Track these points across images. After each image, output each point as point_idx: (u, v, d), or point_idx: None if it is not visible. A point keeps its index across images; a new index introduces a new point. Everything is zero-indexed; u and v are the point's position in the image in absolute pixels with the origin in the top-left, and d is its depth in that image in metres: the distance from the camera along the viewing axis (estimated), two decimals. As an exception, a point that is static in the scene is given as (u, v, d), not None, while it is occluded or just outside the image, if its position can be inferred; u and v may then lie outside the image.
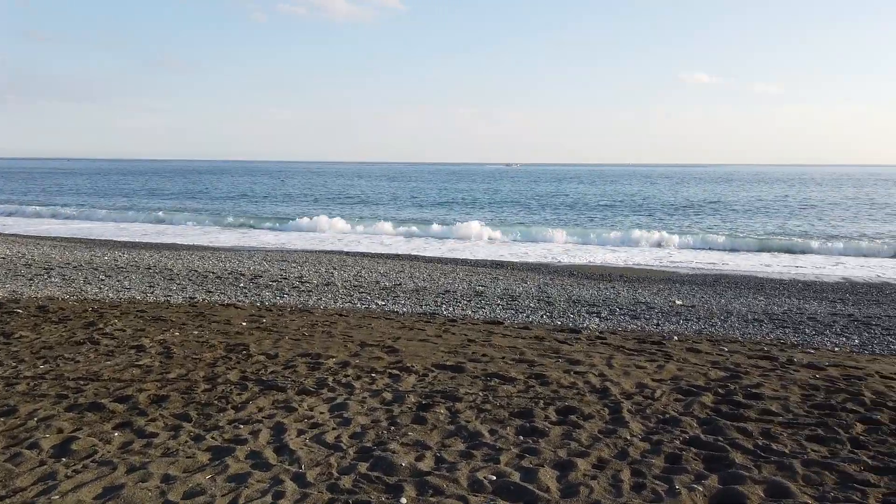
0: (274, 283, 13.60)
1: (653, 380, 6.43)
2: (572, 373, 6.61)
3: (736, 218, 37.50)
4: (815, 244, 23.85)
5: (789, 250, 23.15)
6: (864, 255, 21.89)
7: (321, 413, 5.12)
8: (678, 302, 12.54)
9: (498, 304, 11.96)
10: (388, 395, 5.64)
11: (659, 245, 24.76)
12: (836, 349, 8.82)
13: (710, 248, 24.00)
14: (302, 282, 13.96)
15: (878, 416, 5.25)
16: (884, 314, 11.54)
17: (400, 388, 5.87)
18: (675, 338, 9.15)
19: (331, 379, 6.12)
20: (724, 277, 16.77)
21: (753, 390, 6.02)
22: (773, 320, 10.78)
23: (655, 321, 10.64)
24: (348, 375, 6.28)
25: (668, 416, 5.20)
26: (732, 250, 23.50)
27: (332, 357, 7.01)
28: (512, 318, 10.77)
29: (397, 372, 6.46)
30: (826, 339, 9.52)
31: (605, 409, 5.41)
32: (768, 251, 23.18)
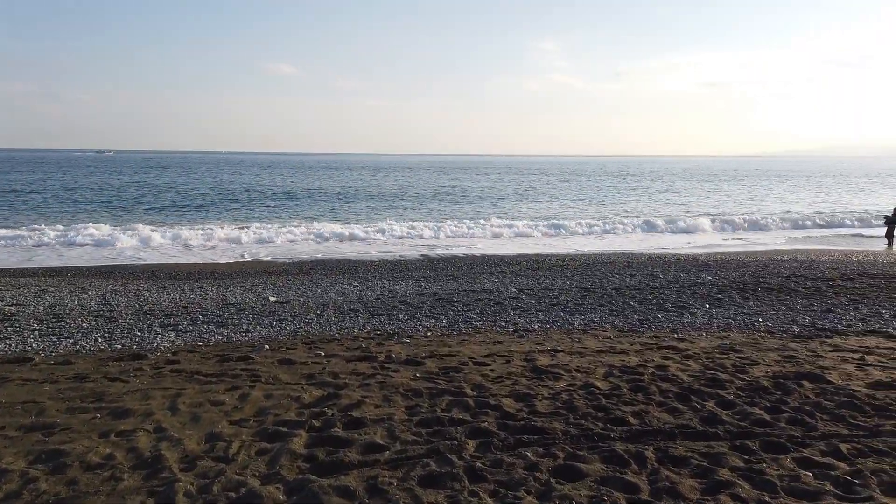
0: None
1: (231, 422, 4.80)
2: (112, 436, 4.53)
3: (335, 204, 38.51)
4: (396, 225, 25.41)
5: (378, 231, 23.99)
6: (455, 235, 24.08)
7: None
8: (272, 298, 11.20)
9: (34, 330, 8.80)
10: None
11: (252, 236, 22.95)
12: (429, 333, 8.57)
13: (317, 238, 22.67)
14: None
15: (485, 424, 4.63)
16: (461, 289, 12.12)
17: None
18: (267, 346, 7.71)
19: None
20: (321, 264, 16.16)
21: (354, 413, 4.90)
22: (369, 308, 10.26)
23: (245, 326, 9.05)
24: None
25: (242, 493, 3.62)
26: (335, 236, 22.96)
27: None
28: (52, 347, 7.91)
29: None
30: (418, 322, 9.28)
31: None
32: (359, 239, 23.10)
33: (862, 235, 25.64)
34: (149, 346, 7.89)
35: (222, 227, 24.03)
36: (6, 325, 9.09)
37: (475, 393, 5.43)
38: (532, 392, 5.44)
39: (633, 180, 75.24)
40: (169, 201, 37.80)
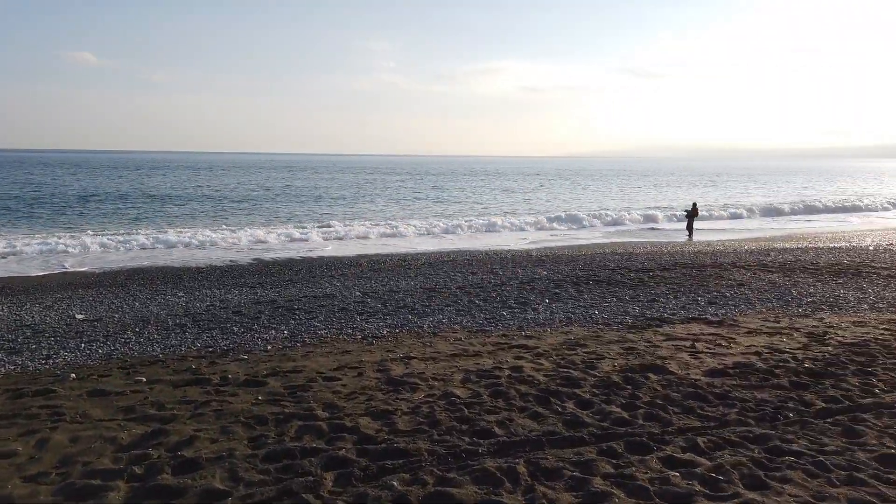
0: None
1: (25, 479, 3.88)
2: None
3: (153, 206, 35.18)
4: (224, 228, 23.75)
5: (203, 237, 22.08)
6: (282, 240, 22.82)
7: None
8: (79, 316, 9.72)
9: None
10: None
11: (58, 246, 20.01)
12: (270, 347, 7.84)
13: (133, 244, 19.41)
14: None
15: (343, 451, 4.16)
16: (301, 295, 11.40)
17: None
18: (73, 375, 6.56)
19: None
20: (139, 273, 14.49)
21: (186, 453, 4.19)
22: (198, 322, 9.24)
23: (45, 352, 7.70)
24: None
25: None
26: (155, 241, 20.23)
27: None
28: None
29: None
30: (256, 335, 8.50)
31: None
32: (183, 244, 20.55)
33: (664, 229, 28.32)
34: (-90, 387, 6.36)
35: (17, 234, 20.83)
36: None
37: (328, 414, 4.92)
38: (390, 407, 5.06)
39: (463, 179, 77.71)
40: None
